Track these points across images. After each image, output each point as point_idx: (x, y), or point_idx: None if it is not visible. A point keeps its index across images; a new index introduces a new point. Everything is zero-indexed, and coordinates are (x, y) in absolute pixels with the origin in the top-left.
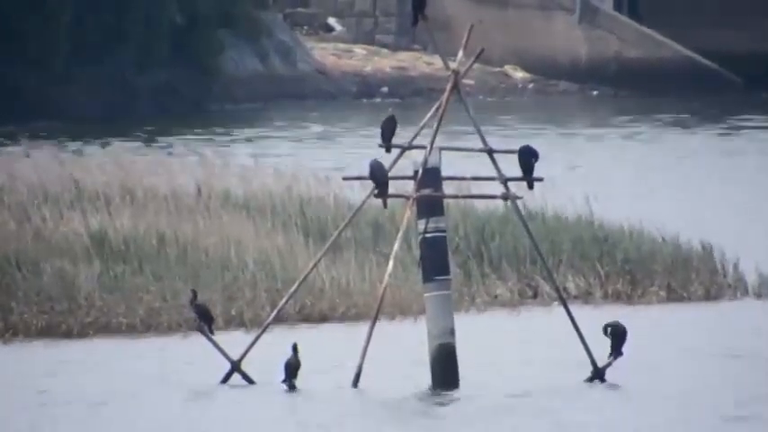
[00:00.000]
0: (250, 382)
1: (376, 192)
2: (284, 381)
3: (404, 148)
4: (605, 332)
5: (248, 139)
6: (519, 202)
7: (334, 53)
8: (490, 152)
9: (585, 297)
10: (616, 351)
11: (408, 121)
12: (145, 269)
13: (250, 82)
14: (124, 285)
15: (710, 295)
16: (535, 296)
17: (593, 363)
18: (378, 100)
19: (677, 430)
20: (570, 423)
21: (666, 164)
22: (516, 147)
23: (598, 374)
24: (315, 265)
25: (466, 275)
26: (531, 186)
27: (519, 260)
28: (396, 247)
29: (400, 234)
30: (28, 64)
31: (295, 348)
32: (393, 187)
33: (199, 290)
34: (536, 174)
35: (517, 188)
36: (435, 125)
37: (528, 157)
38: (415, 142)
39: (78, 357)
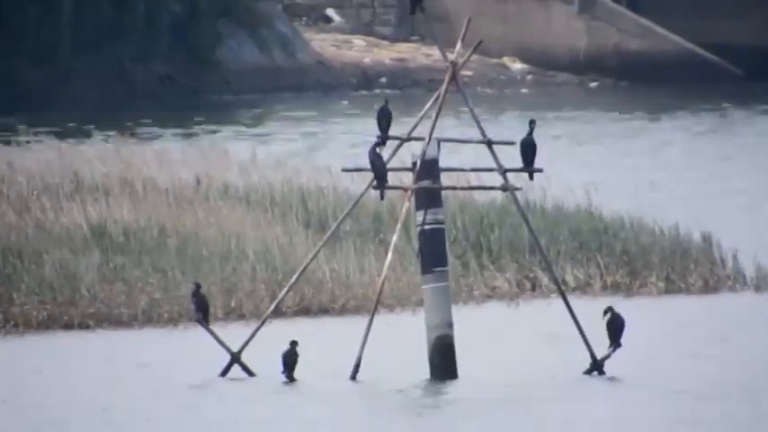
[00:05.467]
0: (250, 374)
1: (375, 183)
2: (283, 372)
3: (402, 140)
4: (605, 315)
5: (248, 131)
6: (518, 194)
7: (333, 44)
8: (489, 143)
9: (584, 289)
10: (615, 343)
11: (407, 113)
12: (145, 261)
13: (249, 73)
14: (124, 277)
15: (709, 287)
16: (534, 288)
17: (592, 355)
18: (377, 91)
19: (676, 421)
20: (569, 414)
21: (665, 155)
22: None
23: (597, 366)
24: (314, 257)
25: (464, 267)
26: (531, 177)
27: (517, 252)
28: (394, 238)
29: (399, 225)
30: (28, 56)
31: (294, 344)
32: (392, 178)
33: (199, 281)
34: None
35: (516, 179)
36: (434, 116)
37: (529, 149)
38: (414, 133)
39: (79, 349)
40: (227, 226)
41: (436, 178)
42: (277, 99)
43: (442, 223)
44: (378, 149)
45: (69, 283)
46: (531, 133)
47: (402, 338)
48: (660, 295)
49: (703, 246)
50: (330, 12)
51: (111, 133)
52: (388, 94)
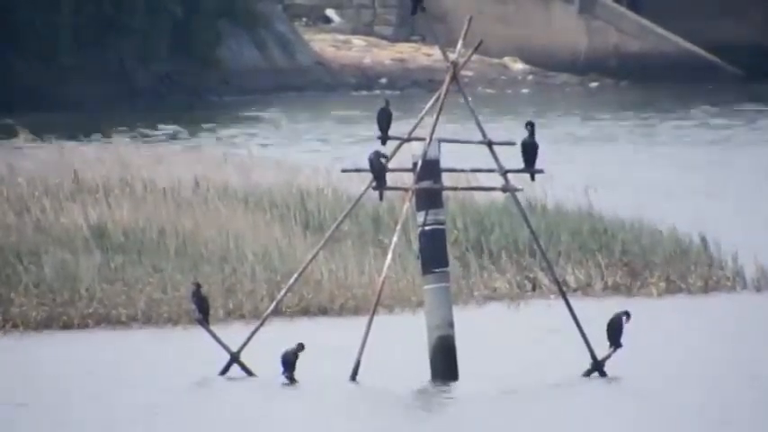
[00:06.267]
0: (249, 373)
1: (374, 184)
2: (284, 373)
3: (403, 140)
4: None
5: (247, 131)
6: (518, 194)
7: (333, 45)
8: (489, 144)
9: (585, 289)
10: (615, 343)
11: (408, 113)
12: (144, 261)
13: (249, 73)
14: (124, 277)
15: (709, 287)
16: (534, 289)
17: (593, 355)
18: (377, 92)
19: (676, 422)
20: (569, 415)
21: (665, 155)
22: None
23: (597, 367)
24: (313, 257)
25: (465, 268)
26: (532, 178)
27: (518, 253)
28: (394, 239)
29: (399, 226)
30: (28, 56)
31: (300, 346)
32: (392, 179)
33: (199, 281)
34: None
35: (517, 180)
36: (434, 117)
37: (530, 150)
38: (414, 134)
39: (78, 349)
40: (226, 226)
41: (437, 179)
42: (277, 99)
43: (442, 224)
44: (380, 155)
45: (68, 284)
46: (531, 135)
47: (402, 339)
48: (660, 296)
49: (703, 246)
50: (330, 12)
51: (110, 133)
52: (387, 94)
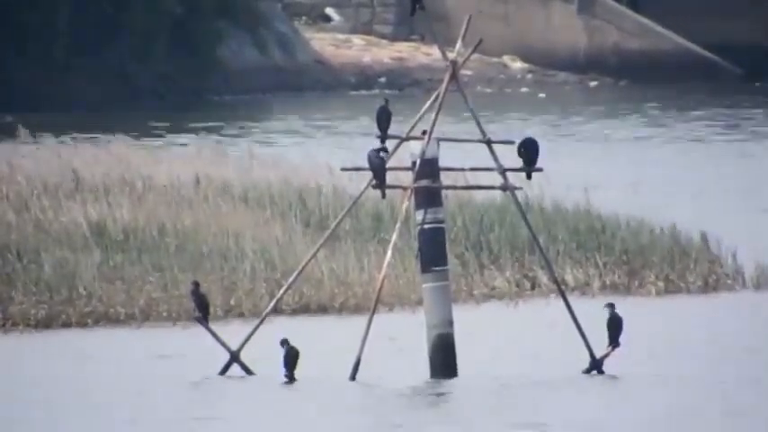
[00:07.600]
0: (249, 372)
1: (374, 182)
2: (285, 374)
3: (402, 139)
4: (608, 310)
5: (247, 130)
6: (517, 193)
7: (332, 43)
8: (488, 143)
9: (583, 288)
10: (614, 342)
11: (407, 112)
12: (144, 259)
13: (249, 73)
14: (124, 275)
15: (708, 286)
16: (533, 287)
17: (591, 354)
18: (376, 91)
19: (675, 421)
20: (568, 414)
21: (665, 155)
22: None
23: (596, 365)
24: (313, 255)
25: (464, 267)
26: (529, 177)
27: (517, 251)
28: (394, 237)
29: (398, 225)
30: (28, 55)
31: (285, 342)
32: (391, 178)
33: (198, 280)
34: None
35: (516, 179)
36: (433, 116)
37: (530, 149)
38: (413, 133)
39: (77, 348)
40: (226, 225)
41: (436, 177)
42: (277, 98)
43: (441, 222)
44: (382, 153)
45: (68, 282)
46: (531, 138)
47: (402, 337)
48: (659, 295)
49: (702, 245)
50: (329, 11)
51: (110, 132)
52: (387, 93)
